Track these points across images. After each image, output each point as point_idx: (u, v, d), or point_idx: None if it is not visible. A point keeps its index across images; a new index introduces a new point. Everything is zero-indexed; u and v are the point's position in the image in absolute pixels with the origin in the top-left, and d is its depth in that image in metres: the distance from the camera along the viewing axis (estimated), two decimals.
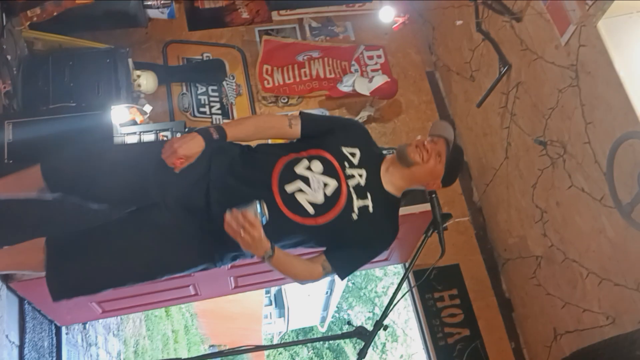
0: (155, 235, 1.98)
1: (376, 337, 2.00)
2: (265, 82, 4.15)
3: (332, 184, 1.95)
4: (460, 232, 4.00)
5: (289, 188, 1.93)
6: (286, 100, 4.16)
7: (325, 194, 1.94)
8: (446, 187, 2.09)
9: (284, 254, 1.91)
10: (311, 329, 23.47)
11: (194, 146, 1.88)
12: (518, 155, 3.51)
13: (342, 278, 2.11)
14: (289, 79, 4.18)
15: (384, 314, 1.96)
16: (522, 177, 3.50)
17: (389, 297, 2.01)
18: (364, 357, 1.82)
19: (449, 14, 3.99)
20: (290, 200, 1.93)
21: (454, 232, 3.93)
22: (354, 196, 1.96)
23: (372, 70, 4.34)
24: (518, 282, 3.72)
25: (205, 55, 4.24)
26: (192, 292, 3.53)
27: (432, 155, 1.99)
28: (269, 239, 1.81)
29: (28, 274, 2.14)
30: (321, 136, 2.04)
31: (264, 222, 1.78)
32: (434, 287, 3.82)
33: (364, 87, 4.02)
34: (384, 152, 2.20)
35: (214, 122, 3.99)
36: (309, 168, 1.96)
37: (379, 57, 4.42)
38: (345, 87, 4.12)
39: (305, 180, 1.94)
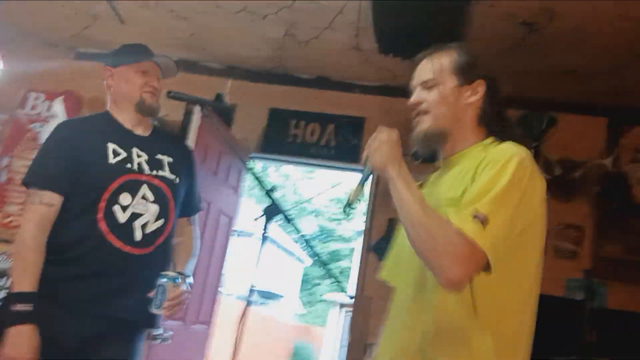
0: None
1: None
2: None
3: (142, 189, 1.93)
4: None
5: (137, 235, 1.89)
6: None
7: (153, 202, 1.94)
8: None
9: (185, 267, 2.03)
10: (307, 273, 23.89)
11: (32, 345, 1.70)
12: None
13: (197, 212, 2.20)
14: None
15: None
16: None
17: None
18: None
19: None
20: (145, 237, 1.91)
21: None
22: (155, 172, 1.98)
23: (49, 107, 4.02)
24: None
25: None
26: None
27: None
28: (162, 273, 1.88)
29: None
30: (74, 179, 1.89)
31: (179, 280, 1.87)
32: None
33: None
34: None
35: None
36: (124, 208, 1.89)
37: (36, 98, 4.08)
38: None
39: (134, 218, 1.90)
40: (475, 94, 1.42)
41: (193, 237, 2.15)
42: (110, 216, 1.86)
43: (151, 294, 1.83)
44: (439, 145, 1.44)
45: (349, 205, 1.42)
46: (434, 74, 1.43)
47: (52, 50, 4.23)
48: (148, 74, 2.04)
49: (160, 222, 1.96)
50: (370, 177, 1.43)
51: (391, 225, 3.57)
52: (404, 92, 1.48)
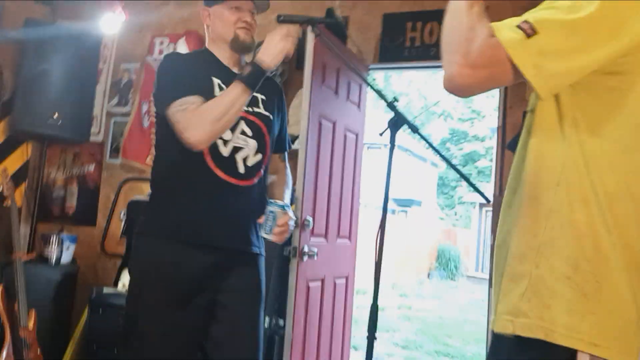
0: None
1: None
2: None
3: (240, 125, 2.00)
4: None
5: (240, 167, 1.99)
6: None
7: (251, 137, 2.02)
8: None
9: (285, 199, 2.15)
10: None
11: None
12: None
13: (289, 149, 2.30)
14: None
15: None
16: None
17: None
18: None
19: None
20: (248, 170, 2.01)
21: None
22: (251, 109, 2.05)
23: (174, 50, 4.20)
24: None
25: None
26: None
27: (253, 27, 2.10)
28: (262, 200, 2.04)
29: None
30: None
31: (288, 208, 1.98)
32: None
33: None
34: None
35: None
36: (225, 142, 1.98)
37: (161, 43, 4.29)
38: None
39: (236, 151, 1.98)
40: None
41: (287, 173, 2.24)
42: (214, 150, 1.95)
43: (260, 220, 1.96)
44: None
45: None
46: None
47: None
48: (241, 10, 2.05)
49: (259, 156, 2.04)
50: None
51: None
52: None
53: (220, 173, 1.95)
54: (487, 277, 3.61)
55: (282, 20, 2.05)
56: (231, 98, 1.88)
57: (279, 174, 2.20)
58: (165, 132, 1.97)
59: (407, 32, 3.76)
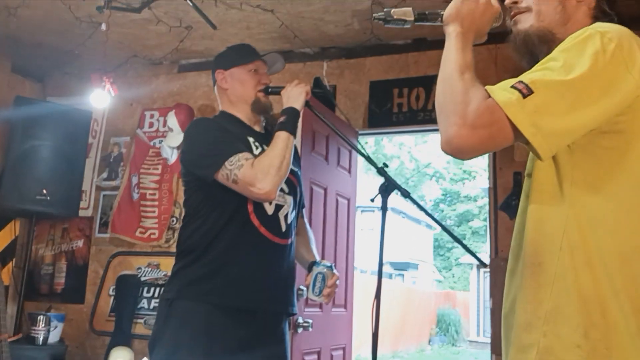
0: None
1: None
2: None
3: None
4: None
5: (282, 225, 1.96)
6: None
7: (288, 194, 2.00)
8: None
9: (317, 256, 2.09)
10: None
11: None
12: None
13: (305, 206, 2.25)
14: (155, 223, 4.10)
15: None
16: None
17: None
18: None
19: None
20: (288, 228, 1.99)
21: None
22: None
23: (164, 123, 4.22)
24: None
25: None
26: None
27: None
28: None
29: None
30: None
31: (333, 266, 1.99)
32: None
33: (174, 139, 3.96)
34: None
35: None
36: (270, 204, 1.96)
37: (151, 116, 4.33)
38: (169, 155, 4.08)
39: (278, 209, 1.96)
40: None
41: (308, 229, 2.18)
42: (259, 209, 1.90)
43: (307, 282, 1.93)
44: (541, 51, 1.18)
45: (385, 19, 1.28)
46: None
47: (157, 68, 4.45)
48: (259, 73, 2.05)
49: (294, 213, 2.01)
50: (431, 20, 1.23)
51: (517, 180, 3.36)
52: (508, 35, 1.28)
53: (265, 232, 1.90)
54: (489, 341, 3.50)
55: (270, 92, 2.07)
56: (282, 146, 1.87)
57: (299, 232, 2.12)
58: (204, 196, 1.92)
59: (394, 98, 3.82)
